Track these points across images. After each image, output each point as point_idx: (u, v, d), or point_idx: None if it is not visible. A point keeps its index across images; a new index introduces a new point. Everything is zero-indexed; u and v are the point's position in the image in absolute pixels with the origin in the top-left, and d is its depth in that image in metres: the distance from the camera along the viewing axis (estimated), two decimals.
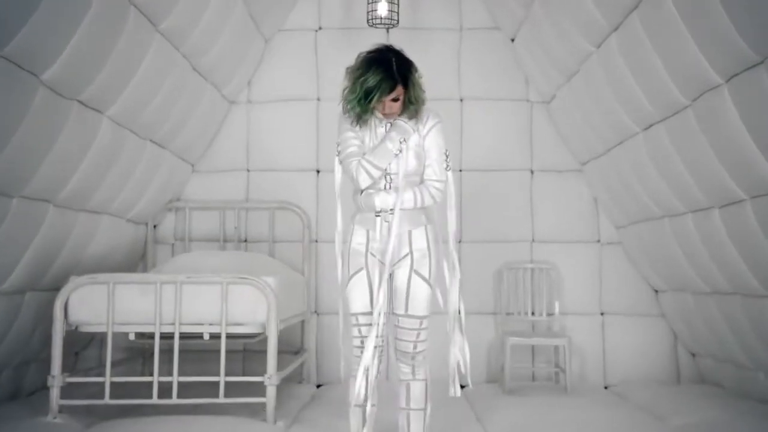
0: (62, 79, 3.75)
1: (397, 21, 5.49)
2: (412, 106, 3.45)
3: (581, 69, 5.03)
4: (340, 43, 5.94)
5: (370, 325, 3.46)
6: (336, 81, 3.53)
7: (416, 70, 3.44)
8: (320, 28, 6.07)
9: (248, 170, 6.04)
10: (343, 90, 3.44)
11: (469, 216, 5.88)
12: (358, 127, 3.51)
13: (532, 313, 5.77)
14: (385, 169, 3.46)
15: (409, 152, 3.46)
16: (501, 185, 5.95)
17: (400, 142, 3.43)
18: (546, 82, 5.74)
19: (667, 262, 5.15)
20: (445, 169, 3.54)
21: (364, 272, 3.51)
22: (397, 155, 3.44)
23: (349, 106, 3.43)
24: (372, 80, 3.32)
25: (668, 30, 3.78)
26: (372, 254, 3.51)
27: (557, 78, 5.46)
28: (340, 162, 3.54)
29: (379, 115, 3.49)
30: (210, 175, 5.98)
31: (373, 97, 3.34)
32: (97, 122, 4.30)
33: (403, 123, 3.48)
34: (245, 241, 5.92)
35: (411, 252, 3.51)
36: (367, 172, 3.43)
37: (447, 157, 3.56)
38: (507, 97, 6.00)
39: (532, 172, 6.02)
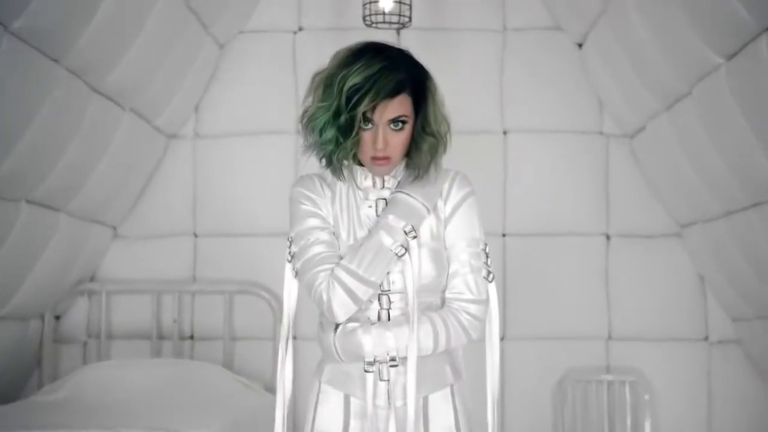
0: None
1: (409, 18, 4.49)
2: (425, 140, 2.27)
3: (694, 91, 4.04)
4: (328, 49, 4.75)
5: None
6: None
7: (433, 82, 2.36)
8: (300, 29, 5.09)
9: (195, 235, 5.02)
10: (303, 113, 2.27)
11: (515, 301, 4.97)
12: (325, 192, 2.32)
13: None
14: (380, 284, 2.29)
15: (422, 250, 2.30)
16: (563, 256, 5.05)
17: (406, 233, 2.25)
18: (630, 108, 4.87)
19: None
20: (486, 277, 2.34)
21: None
22: (400, 257, 2.26)
23: (317, 132, 2.24)
24: (360, 74, 2.21)
25: None
26: None
27: (650, 102, 4.56)
28: (294, 270, 2.34)
29: (361, 169, 2.31)
30: (140, 243, 4.99)
31: (361, 100, 2.18)
32: None
33: (409, 197, 2.27)
34: (191, 338, 4.91)
35: None
36: (348, 292, 2.22)
37: (487, 256, 2.37)
38: (571, 128, 5.10)
39: (608, 237, 5.09)
